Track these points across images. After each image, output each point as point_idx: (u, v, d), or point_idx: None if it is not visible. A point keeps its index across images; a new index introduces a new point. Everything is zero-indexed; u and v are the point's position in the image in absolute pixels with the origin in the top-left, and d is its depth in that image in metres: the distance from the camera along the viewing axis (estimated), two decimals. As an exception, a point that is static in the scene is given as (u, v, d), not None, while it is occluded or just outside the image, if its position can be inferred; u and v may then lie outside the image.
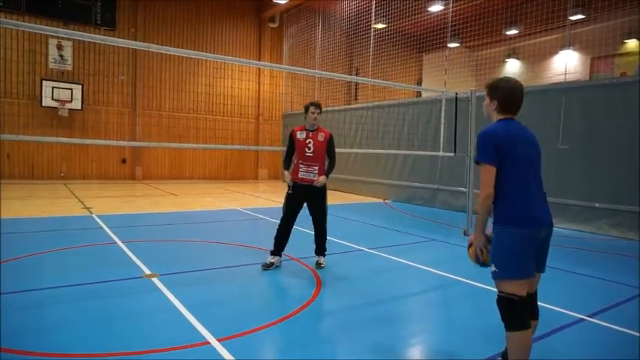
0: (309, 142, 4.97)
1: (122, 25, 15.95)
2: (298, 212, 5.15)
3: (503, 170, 2.52)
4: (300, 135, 5.01)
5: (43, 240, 6.24)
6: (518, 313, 2.46)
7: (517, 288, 2.47)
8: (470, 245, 2.71)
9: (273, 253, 5.14)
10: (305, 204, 5.16)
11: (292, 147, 5.10)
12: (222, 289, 4.45)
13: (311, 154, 4.96)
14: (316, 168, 4.98)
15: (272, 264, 5.08)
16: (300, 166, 4.99)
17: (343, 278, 4.94)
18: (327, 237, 5.33)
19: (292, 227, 5.16)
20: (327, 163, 5.14)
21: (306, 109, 5.06)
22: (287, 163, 5.18)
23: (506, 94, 2.64)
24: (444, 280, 5.04)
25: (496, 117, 2.69)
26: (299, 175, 5.00)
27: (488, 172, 2.53)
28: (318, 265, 5.19)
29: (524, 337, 2.47)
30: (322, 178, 4.98)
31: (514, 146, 2.52)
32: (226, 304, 4.04)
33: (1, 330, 3.18)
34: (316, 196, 5.08)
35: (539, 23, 12.30)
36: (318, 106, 5.04)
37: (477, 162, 2.60)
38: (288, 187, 5.10)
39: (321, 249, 5.26)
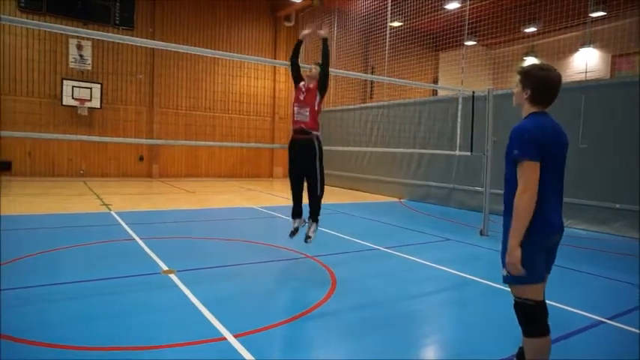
0: (303, 87, 5.34)
1: (140, 25, 16.17)
2: (303, 177, 5.41)
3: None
4: (302, 84, 5.39)
5: (63, 236, 6.37)
6: (535, 318, 2.36)
7: (532, 292, 2.36)
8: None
9: (293, 216, 5.53)
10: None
11: (296, 72, 5.51)
12: (239, 285, 4.50)
13: (303, 98, 5.29)
14: (307, 110, 5.25)
15: (297, 229, 5.46)
16: (295, 109, 5.32)
17: (358, 277, 4.96)
18: (342, 235, 5.38)
19: (302, 191, 5.49)
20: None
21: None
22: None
23: (542, 84, 2.37)
24: (459, 279, 5.01)
25: (527, 108, 2.44)
26: (295, 118, 5.28)
27: (534, 170, 2.26)
28: (308, 238, 5.27)
29: (544, 343, 2.36)
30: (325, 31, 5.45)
31: (550, 148, 2.32)
32: (243, 300, 4.08)
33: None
34: (308, 156, 5.22)
35: (559, 20, 12.10)
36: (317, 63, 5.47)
37: (517, 159, 2.30)
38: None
39: (313, 214, 5.32)
